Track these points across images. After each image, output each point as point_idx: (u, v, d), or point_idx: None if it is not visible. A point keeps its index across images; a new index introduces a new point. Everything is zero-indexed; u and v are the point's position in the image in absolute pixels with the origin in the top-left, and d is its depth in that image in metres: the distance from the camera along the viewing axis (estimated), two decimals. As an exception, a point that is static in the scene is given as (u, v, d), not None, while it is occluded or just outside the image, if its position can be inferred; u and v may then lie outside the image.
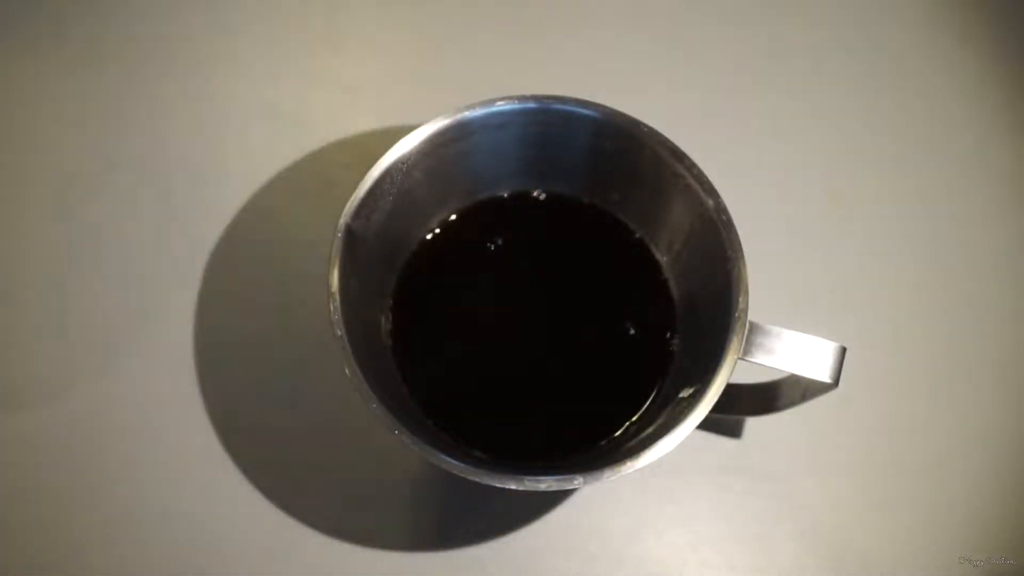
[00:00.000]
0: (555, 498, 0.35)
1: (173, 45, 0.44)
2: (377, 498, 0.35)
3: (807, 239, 0.40)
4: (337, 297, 0.29)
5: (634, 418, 0.32)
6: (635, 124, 0.32)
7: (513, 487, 0.27)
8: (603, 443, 0.32)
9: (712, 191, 0.31)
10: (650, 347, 0.33)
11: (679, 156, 0.31)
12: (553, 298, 0.35)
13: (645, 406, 0.32)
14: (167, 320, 0.37)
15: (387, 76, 0.44)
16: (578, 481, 0.27)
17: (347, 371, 0.28)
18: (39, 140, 0.41)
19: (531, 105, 0.32)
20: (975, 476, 0.36)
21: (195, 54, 0.44)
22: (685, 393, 0.30)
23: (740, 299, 0.29)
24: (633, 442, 0.29)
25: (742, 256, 0.30)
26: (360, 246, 0.31)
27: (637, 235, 0.35)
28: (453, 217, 0.35)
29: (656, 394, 0.32)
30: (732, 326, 0.28)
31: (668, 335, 0.33)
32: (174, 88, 0.43)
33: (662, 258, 0.34)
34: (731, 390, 0.28)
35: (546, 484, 0.27)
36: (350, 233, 0.30)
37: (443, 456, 0.27)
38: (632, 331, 0.34)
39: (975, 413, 0.37)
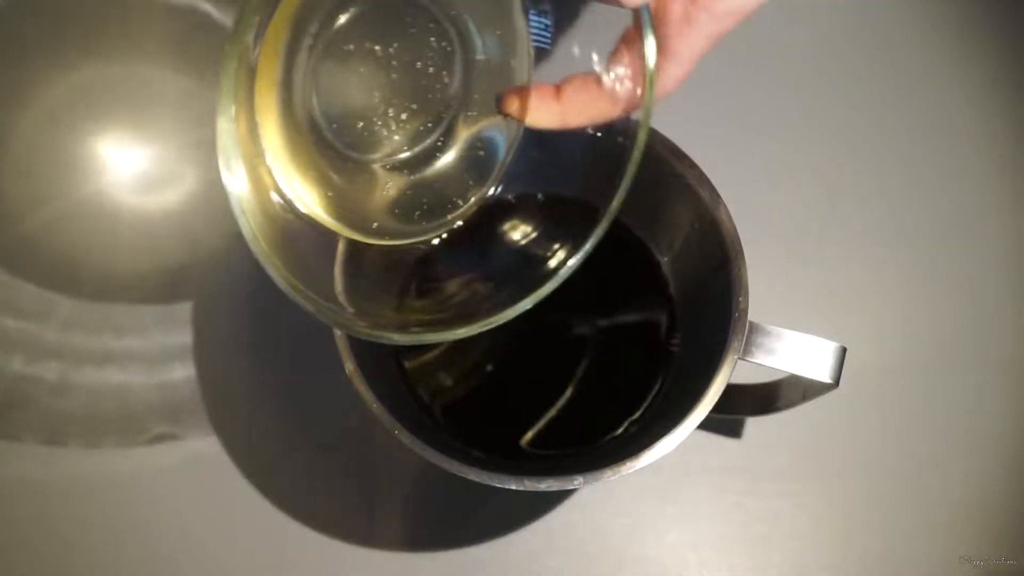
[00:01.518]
0: (555, 498, 0.35)
1: (175, 45, 0.44)
2: (377, 498, 0.35)
3: (807, 239, 0.40)
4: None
5: (634, 418, 0.32)
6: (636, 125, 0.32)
7: (513, 487, 0.27)
8: (603, 443, 0.32)
9: (712, 191, 0.31)
10: (650, 347, 0.33)
11: (679, 156, 0.31)
12: (553, 298, 0.35)
13: (645, 406, 0.32)
14: (168, 320, 0.37)
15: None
16: (578, 481, 0.27)
17: (347, 371, 0.28)
18: (39, 139, 0.41)
19: None
20: (975, 476, 0.36)
21: (198, 52, 0.44)
22: (685, 393, 0.30)
23: (740, 299, 0.29)
24: (633, 442, 0.29)
25: (742, 256, 0.29)
26: (363, 247, 0.31)
27: (637, 235, 0.35)
28: (454, 217, 0.35)
29: (656, 394, 0.32)
30: (732, 326, 0.28)
31: (668, 335, 0.33)
32: (175, 87, 0.43)
33: (662, 258, 0.34)
34: (731, 390, 0.28)
35: (546, 484, 0.27)
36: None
37: (443, 456, 0.27)
38: (632, 331, 0.34)
39: (975, 413, 0.37)
